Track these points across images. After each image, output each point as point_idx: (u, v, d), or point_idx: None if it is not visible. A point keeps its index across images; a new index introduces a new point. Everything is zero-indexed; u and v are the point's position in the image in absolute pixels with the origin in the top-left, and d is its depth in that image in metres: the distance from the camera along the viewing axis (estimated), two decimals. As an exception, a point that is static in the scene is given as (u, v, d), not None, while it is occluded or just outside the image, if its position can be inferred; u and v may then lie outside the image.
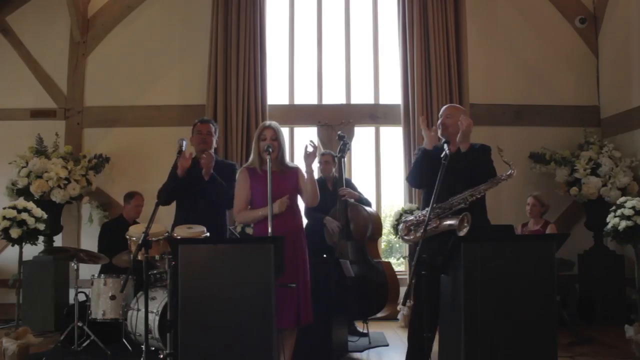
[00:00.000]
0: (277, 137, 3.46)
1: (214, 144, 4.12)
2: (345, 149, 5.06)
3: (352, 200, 5.00)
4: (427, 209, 3.50)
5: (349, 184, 5.22)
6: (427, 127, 3.67)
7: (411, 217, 3.67)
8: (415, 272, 3.12)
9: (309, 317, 3.42)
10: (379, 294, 4.77)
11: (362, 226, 4.89)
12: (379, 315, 4.89)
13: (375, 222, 4.97)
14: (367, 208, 5.03)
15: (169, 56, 6.60)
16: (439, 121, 3.71)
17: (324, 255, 4.71)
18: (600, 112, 6.51)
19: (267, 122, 3.55)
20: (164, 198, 3.80)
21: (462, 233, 3.25)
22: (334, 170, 5.20)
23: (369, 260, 4.84)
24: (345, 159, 5.26)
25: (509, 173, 3.57)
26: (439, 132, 3.67)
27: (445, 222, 3.40)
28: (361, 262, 4.83)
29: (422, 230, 3.45)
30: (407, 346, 3.72)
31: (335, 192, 5.02)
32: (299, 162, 3.66)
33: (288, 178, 3.51)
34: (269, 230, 3.23)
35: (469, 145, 3.57)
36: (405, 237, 3.63)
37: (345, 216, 4.92)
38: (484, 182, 3.51)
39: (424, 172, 3.61)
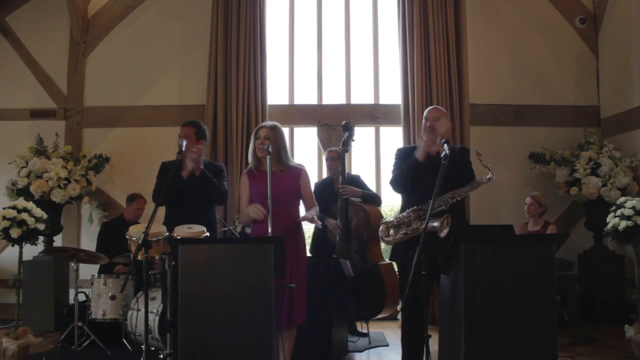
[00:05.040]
0: (270, 136, 3.46)
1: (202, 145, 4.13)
2: (349, 141, 4.88)
3: (357, 198, 4.89)
4: (407, 210, 3.55)
5: (355, 181, 5.09)
6: (431, 140, 3.59)
7: (391, 219, 3.67)
8: (414, 272, 3.11)
9: (301, 318, 3.43)
10: (377, 296, 4.73)
11: (362, 225, 4.83)
12: (379, 316, 4.87)
13: (375, 222, 4.82)
14: (368, 207, 4.90)
15: (169, 56, 6.60)
16: (424, 124, 3.67)
17: (333, 255, 4.69)
18: (600, 112, 6.51)
19: (264, 123, 3.59)
20: (162, 199, 3.80)
21: (442, 234, 3.28)
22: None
23: (367, 262, 4.80)
24: (351, 151, 5.04)
25: (488, 177, 3.62)
26: (424, 135, 3.64)
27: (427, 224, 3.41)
28: (360, 262, 4.80)
29: (402, 232, 3.48)
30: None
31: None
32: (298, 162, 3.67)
33: (287, 178, 3.50)
34: (269, 230, 3.24)
35: (436, 150, 3.59)
36: (385, 238, 3.63)
37: (345, 215, 4.88)
38: (464, 184, 3.55)
39: (412, 182, 3.63)
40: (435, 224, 3.35)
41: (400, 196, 3.87)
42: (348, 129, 4.90)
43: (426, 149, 3.57)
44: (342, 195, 4.85)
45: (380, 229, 3.66)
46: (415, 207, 3.52)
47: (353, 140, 4.93)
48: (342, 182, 4.89)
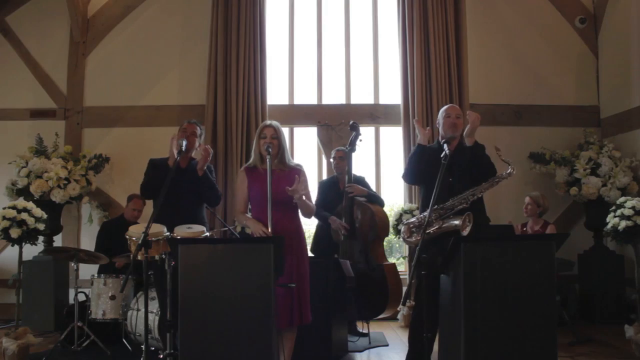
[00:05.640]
0: (277, 136, 3.47)
1: (197, 145, 4.05)
2: (355, 140, 4.87)
3: (362, 197, 4.87)
4: (428, 210, 3.52)
5: (360, 182, 5.06)
6: (421, 126, 3.71)
7: (413, 219, 3.67)
8: (416, 272, 3.12)
9: (306, 318, 3.42)
10: (379, 296, 4.72)
11: (367, 226, 4.81)
12: (381, 316, 4.87)
13: (381, 222, 4.83)
14: (373, 207, 4.88)
15: (169, 56, 6.60)
16: (449, 121, 3.67)
17: (335, 255, 4.68)
18: (600, 112, 6.52)
19: (268, 121, 3.56)
20: (150, 191, 3.84)
21: (465, 232, 3.27)
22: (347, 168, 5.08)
23: (371, 262, 4.79)
24: (357, 151, 4.99)
25: (508, 172, 3.60)
26: (449, 131, 3.65)
27: (449, 223, 3.40)
28: (363, 262, 4.79)
29: (424, 232, 3.46)
30: (407, 346, 3.72)
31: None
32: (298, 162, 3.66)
33: (288, 177, 3.50)
34: (269, 230, 3.24)
35: (474, 140, 3.58)
36: (408, 240, 3.63)
37: (350, 215, 4.85)
38: (485, 180, 3.53)
39: (421, 167, 3.63)
40: (457, 222, 3.34)
41: (420, 196, 3.88)
42: (355, 129, 4.90)
43: (425, 138, 3.66)
44: (348, 193, 4.84)
45: (403, 230, 3.67)
46: (435, 206, 3.51)
47: (360, 140, 4.94)
48: (348, 182, 4.88)
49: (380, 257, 4.87)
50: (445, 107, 3.82)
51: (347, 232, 4.82)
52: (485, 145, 3.73)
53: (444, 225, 3.42)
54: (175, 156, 3.72)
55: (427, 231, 3.46)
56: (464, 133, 3.60)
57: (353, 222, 4.85)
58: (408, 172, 3.76)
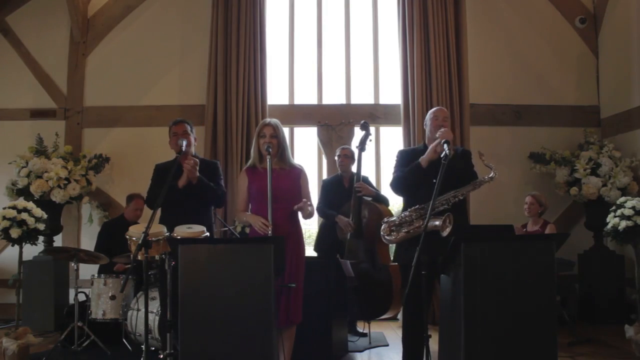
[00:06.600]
0: (276, 135, 3.47)
1: (194, 142, 4.04)
2: (366, 140, 4.86)
3: (369, 197, 4.87)
4: (409, 209, 3.54)
5: (365, 181, 5.05)
6: (435, 149, 3.53)
7: (393, 218, 3.66)
8: (414, 272, 3.11)
9: (298, 317, 3.44)
10: (383, 297, 4.71)
11: (375, 226, 4.75)
12: (384, 316, 4.87)
13: None
14: (381, 207, 4.86)
15: (169, 56, 6.60)
16: (436, 123, 3.65)
17: (338, 256, 4.67)
18: (600, 112, 6.51)
19: (267, 120, 3.57)
20: (157, 203, 3.69)
21: (445, 233, 3.28)
22: (352, 167, 5.08)
23: (377, 262, 4.77)
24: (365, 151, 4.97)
25: (490, 176, 3.63)
26: (436, 133, 3.63)
27: (429, 223, 3.40)
28: (369, 262, 4.78)
29: (404, 231, 3.47)
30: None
31: (350, 190, 4.91)
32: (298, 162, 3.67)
33: (288, 176, 3.51)
34: (269, 230, 3.25)
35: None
36: (387, 237, 3.62)
37: (357, 214, 4.84)
38: (464, 184, 3.55)
39: (412, 186, 3.61)
40: (437, 222, 3.35)
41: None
42: (366, 128, 4.90)
43: (431, 156, 3.53)
44: (357, 193, 4.83)
45: (382, 228, 3.66)
46: (417, 206, 3.53)
47: (370, 140, 4.95)
48: (357, 181, 4.87)
49: (386, 257, 4.85)
50: (433, 109, 3.80)
51: (354, 231, 4.82)
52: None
53: (423, 225, 3.42)
54: (181, 156, 3.75)
55: (407, 230, 3.49)
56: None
57: (360, 221, 4.85)
58: (399, 186, 3.70)
